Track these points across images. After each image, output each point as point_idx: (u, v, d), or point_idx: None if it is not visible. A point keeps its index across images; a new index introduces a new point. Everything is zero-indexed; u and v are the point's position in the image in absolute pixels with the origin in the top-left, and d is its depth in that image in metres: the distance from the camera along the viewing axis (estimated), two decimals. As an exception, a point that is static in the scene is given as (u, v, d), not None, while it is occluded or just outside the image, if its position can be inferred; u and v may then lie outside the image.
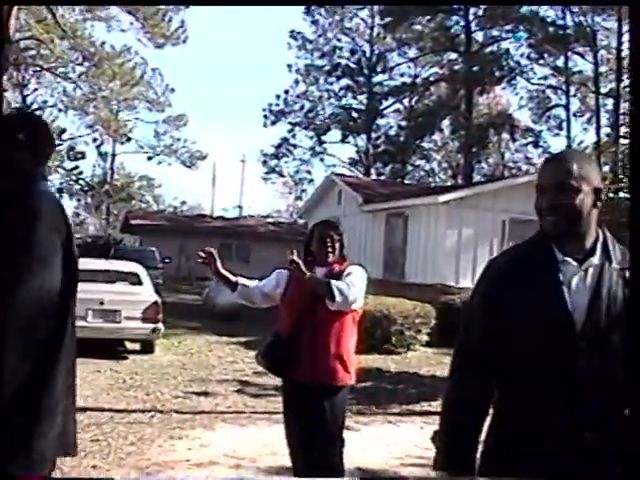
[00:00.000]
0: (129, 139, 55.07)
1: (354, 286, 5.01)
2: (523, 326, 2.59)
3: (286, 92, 51.81)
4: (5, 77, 35.69)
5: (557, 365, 2.53)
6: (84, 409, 9.15)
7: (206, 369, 12.85)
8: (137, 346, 14.41)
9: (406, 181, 48.24)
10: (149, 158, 56.79)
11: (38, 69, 49.05)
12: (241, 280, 5.39)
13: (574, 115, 46.74)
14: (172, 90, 50.98)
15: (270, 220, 54.00)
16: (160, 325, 13.86)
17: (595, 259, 2.62)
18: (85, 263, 16.33)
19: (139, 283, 14.69)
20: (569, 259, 2.61)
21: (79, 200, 67.27)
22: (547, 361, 2.56)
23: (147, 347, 14.20)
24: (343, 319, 5.12)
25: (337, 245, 5.27)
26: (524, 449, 2.57)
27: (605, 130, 42.29)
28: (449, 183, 51.08)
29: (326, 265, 5.24)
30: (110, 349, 13.82)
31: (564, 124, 46.14)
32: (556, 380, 2.53)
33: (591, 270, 2.61)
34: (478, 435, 2.71)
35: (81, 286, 11.98)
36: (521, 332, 2.60)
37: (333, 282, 4.94)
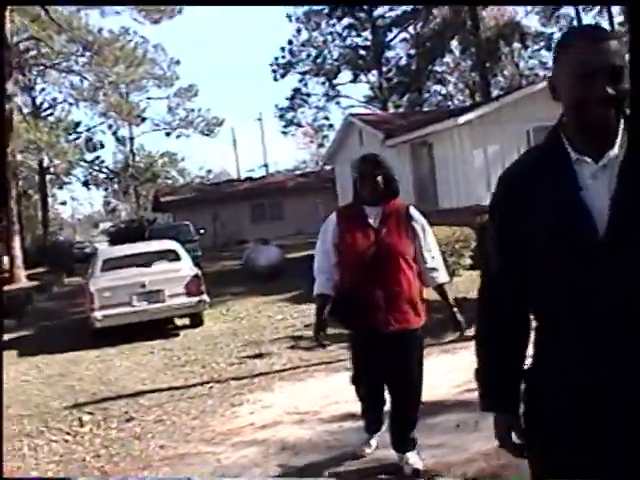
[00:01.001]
0: (144, 119, 55.25)
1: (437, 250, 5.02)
2: (537, 240, 2.26)
3: (290, 43, 51.38)
4: (11, 82, 35.66)
5: (578, 281, 2.19)
6: (142, 392, 9.29)
7: (257, 331, 12.88)
8: (186, 321, 14.50)
9: (425, 109, 47.73)
10: (167, 134, 56.91)
11: (42, 68, 49.10)
12: (326, 291, 5.27)
13: (583, 10, 45.65)
14: (177, 62, 50.88)
15: (297, 172, 53.89)
16: (204, 296, 13.90)
17: (614, 151, 2.22)
18: (121, 249, 16.52)
19: (177, 259, 14.73)
20: (585, 157, 2.23)
21: (107, 189, 67.78)
22: (567, 278, 2.22)
23: (196, 320, 14.26)
24: (409, 263, 5.05)
25: (382, 180, 5.13)
26: (559, 379, 2.29)
27: (618, 19, 41.26)
28: (468, 103, 50.46)
29: (380, 204, 5.13)
30: (160, 329, 13.94)
31: (574, 22, 45.13)
32: (578, 297, 2.20)
33: (611, 166, 2.21)
34: (518, 371, 2.47)
35: (121, 272, 12.20)
36: (536, 247, 2.28)
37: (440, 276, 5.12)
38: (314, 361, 9.68)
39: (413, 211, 5.21)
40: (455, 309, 5.21)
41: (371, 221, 5.10)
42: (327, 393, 7.74)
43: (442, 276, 5.17)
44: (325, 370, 9.00)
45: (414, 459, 5.24)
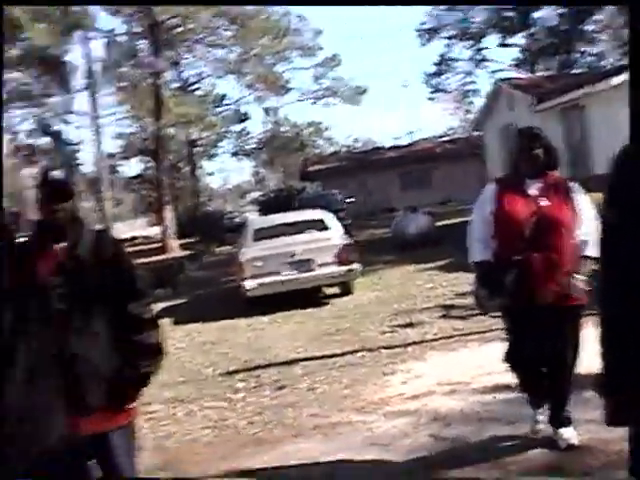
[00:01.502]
0: (289, 90, 55.58)
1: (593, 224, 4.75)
2: None
3: (434, 7, 50.47)
4: (161, 58, 36.71)
5: None
6: (294, 360, 9.34)
7: (408, 300, 12.74)
8: (336, 290, 14.52)
9: (575, 71, 45.96)
10: (313, 103, 57.14)
11: (189, 43, 50.21)
12: (485, 258, 5.09)
13: None
14: (320, 32, 50.84)
15: (445, 139, 53.14)
16: (355, 265, 13.88)
17: None
18: (271, 219, 16.69)
19: (326, 228, 14.74)
20: None
21: (255, 159, 68.98)
22: None
23: (345, 289, 14.28)
24: (571, 235, 4.87)
25: (542, 152, 4.99)
26: None
27: None
28: (622, 62, 48.22)
29: (540, 176, 4.99)
30: (310, 297, 14.03)
31: None
32: None
33: None
34: None
35: (271, 242, 12.28)
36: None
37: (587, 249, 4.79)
38: (466, 331, 9.48)
39: (573, 184, 5.09)
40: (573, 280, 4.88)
41: (531, 192, 4.96)
42: (480, 363, 7.54)
43: (589, 249, 4.86)
44: (478, 340, 8.79)
45: (569, 434, 5.10)
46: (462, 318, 10.27)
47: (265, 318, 12.94)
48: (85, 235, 3.73)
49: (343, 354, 9.37)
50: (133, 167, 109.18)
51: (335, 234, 14.52)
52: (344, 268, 13.73)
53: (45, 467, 3.53)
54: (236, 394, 8.13)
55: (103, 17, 54.11)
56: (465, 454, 5.33)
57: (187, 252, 28.77)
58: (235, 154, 63.14)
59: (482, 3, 42.21)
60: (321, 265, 13.69)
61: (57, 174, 3.83)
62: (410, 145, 50.70)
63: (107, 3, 35.50)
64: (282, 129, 65.45)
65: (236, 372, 9.19)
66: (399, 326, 10.63)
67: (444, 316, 10.84)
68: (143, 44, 47.02)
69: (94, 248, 3.70)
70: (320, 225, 14.78)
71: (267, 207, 38.08)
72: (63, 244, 3.68)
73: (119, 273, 3.71)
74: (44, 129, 55.31)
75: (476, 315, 9.77)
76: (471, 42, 50.88)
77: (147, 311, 3.80)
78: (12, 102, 54.48)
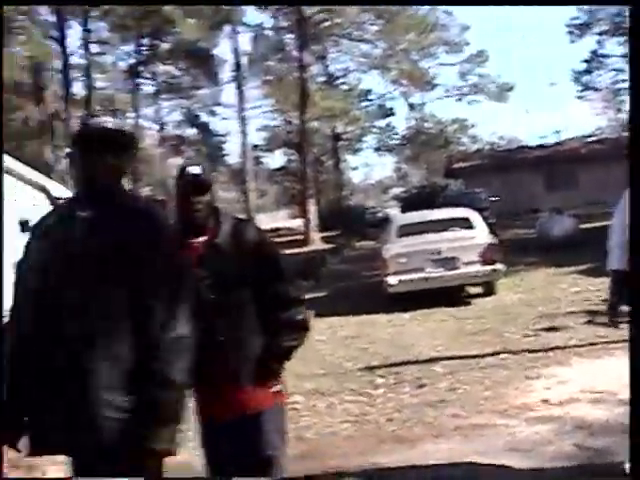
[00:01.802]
0: (435, 86, 55.20)
1: None
2: None
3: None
4: (307, 52, 37.16)
5: None
6: (435, 359, 9.33)
7: (552, 303, 12.50)
8: (479, 289, 14.40)
9: None
10: (458, 100, 56.57)
11: (335, 38, 50.62)
12: (621, 267, 4.86)
13: None
14: (467, 28, 50.29)
15: (592, 139, 51.54)
16: (499, 265, 13.74)
17: None
18: (416, 215, 16.69)
19: (472, 227, 14.61)
20: None
21: (398, 155, 68.89)
22: None
23: (489, 289, 14.15)
24: None
25: None
26: None
27: None
28: None
29: None
30: (453, 296, 13.97)
31: None
32: None
33: None
34: None
35: (415, 238, 12.26)
36: None
37: None
38: (613, 338, 9.21)
39: None
40: None
41: None
42: (627, 373, 7.32)
43: None
44: (625, 349, 8.52)
45: None
46: (608, 325, 9.96)
47: (406, 315, 12.96)
48: (225, 225, 3.77)
49: (485, 355, 9.30)
50: (277, 159, 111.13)
51: (480, 233, 14.39)
52: (488, 268, 13.60)
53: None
54: (376, 390, 8.20)
55: (251, 12, 55.40)
56: (610, 468, 5.16)
57: (329, 245, 29.06)
58: (378, 149, 63.29)
59: (485, 3, 40.91)
60: (466, 264, 13.61)
61: (194, 168, 3.79)
62: (556, 144, 49.41)
63: (106, 3, 36.00)
64: (426, 125, 65.05)
65: (377, 367, 9.25)
66: (542, 329, 10.46)
67: (589, 322, 10.56)
68: (290, 38, 47.80)
69: (236, 236, 3.73)
70: (466, 223, 14.67)
71: (409, 203, 37.97)
72: (203, 238, 3.73)
73: (263, 258, 3.76)
74: (192, 120, 57.02)
75: (623, 322, 9.47)
76: (624, 37, 49.09)
77: (293, 290, 3.85)
78: (161, 94, 56.53)
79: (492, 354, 9.28)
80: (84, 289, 2.88)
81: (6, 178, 22.47)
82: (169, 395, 2.87)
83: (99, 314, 2.87)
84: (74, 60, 39.64)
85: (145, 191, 63.99)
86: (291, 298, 3.82)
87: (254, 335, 3.72)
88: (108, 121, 3.11)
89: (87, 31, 41.30)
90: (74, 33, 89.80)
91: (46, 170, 34.22)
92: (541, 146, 49.26)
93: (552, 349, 9.14)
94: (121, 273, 2.89)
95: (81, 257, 2.90)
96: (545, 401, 6.98)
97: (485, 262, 13.62)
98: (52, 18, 37.56)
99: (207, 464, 3.88)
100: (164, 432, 2.87)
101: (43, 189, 24.54)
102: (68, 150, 3.17)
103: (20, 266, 3.07)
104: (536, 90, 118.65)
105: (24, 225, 22.66)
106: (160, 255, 2.98)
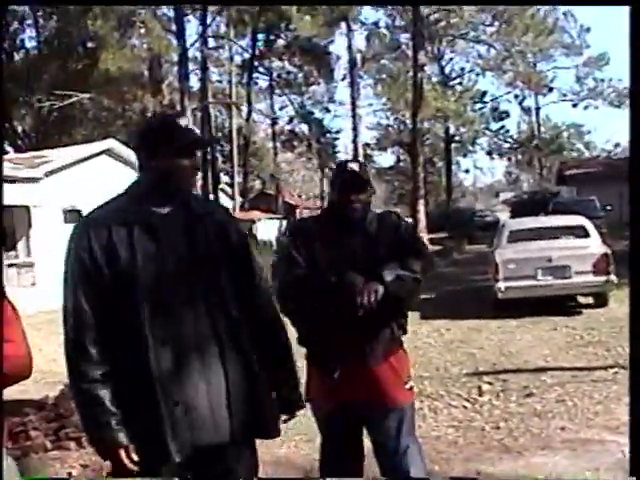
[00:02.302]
0: (551, 89, 54.28)
1: None
2: None
3: None
4: (422, 52, 37.04)
5: None
6: (544, 369, 9.17)
7: (667, 317, 12.09)
8: (590, 300, 14.07)
9: None
10: (574, 105, 55.37)
11: (451, 38, 50.29)
12: None
13: None
14: (588, 30, 49.17)
15: None
16: (612, 277, 13.37)
17: None
18: (528, 221, 16.43)
19: (586, 236, 14.26)
20: None
21: (509, 159, 67.96)
22: None
23: (600, 300, 13.79)
24: None
25: None
26: None
27: None
28: None
29: None
30: (563, 305, 13.70)
31: None
32: None
33: None
34: None
35: (527, 245, 12.09)
36: None
37: None
38: None
39: None
40: None
41: None
42: None
43: None
44: None
45: None
46: None
47: (514, 322, 12.77)
48: (373, 223, 3.84)
49: (595, 368, 9.09)
50: (388, 158, 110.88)
51: (594, 242, 14.04)
52: (601, 278, 13.27)
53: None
54: (482, 396, 8.10)
55: (366, 10, 55.80)
56: None
57: (437, 247, 28.87)
58: (490, 152, 62.54)
59: (482, 3, 39.47)
60: (578, 273, 13.31)
61: (354, 164, 3.82)
62: (677, 154, 47.79)
63: (110, 3, 35.89)
64: (541, 129, 63.98)
65: (483, 374, 9.16)
66: (656, 345, 10.12)
67: None
68: (405, 37, 47.72)
69: (389, 233, 3.81)
70: (580, 232, 14.32)
71: (520, 208, 37.39)
72: (356, 236, 3.79)
73: (410, 245, 3.88)
74: (304, 116, 57.53)
75: None
76: None
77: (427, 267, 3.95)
78: (275, 89, 57.24)
79: (603, 368, 9.05)
80: (190, 288, 2.93)
81: (122, 167, 23.17)
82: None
83: (216, 315, 2.94)
84: (191, 53, 40.49)
85: (256, 184, 65.04)
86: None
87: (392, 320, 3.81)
88: (176, 123, 3.05)
89: (204, 25, 42.13)
90: (192, 27, 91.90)
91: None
92: (660, 155, 47.73)
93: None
94: (216, 269, 2.99)
95: (183, 256, 2.95)
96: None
97: (598, 272, 13.29)
98: (171, 12, 38.46)
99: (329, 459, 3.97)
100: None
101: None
102: (139, 151, 3.09)
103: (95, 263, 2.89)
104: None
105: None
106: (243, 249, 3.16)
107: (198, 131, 3.33)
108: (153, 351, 2.81)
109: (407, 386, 3.90)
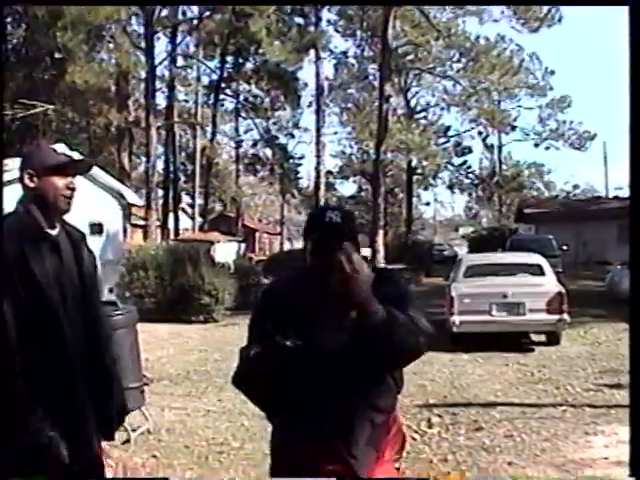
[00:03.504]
0: (514, 128, 54.93)
1: None
2: None
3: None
4: (388, 84, 37.37)
5: None
6: (494, 404, 9.22)
7: (617, 359, 12.23)
8: (542, 337, 14.20)
9: None
10: (536, 145, 56.12)
11: (418, 72, 50.87)
12: None
13: None
14: (552, 72, 49.93)
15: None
16: (565, 316, 13.52)
17: None
18: (485, 257, 16.59)
19: (541, 274, 14.40)
20: None
21: (470, 194, 68.65)
22: None
23: (553, 338, 13.94)
24: None
25: None
26: None
27: None
28: None
29: None
30: (516, 341, 13.81)
31: None
32: None
33: None
34: None
35: (483, 280, 12.17)
36: None
37: None
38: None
39: None
40: None
41: None
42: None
43: None
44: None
45: None
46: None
47: (466, 355, 12.85)
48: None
49: (544, 405, 9.18)
50: (349, 187, 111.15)
51: (549, 281, 14.19)
52: (555, 317, 13.40)
53: None
54: (431, 429, 8.13)
55: (336, 39, 56.22)
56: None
57: (394, 278, 28.92)
58: (450, 187, 63.14)
59: (481, 3, 40.39)
60: (532, 310, 13.43)
61: (335, 214, 2.88)
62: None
63: (116, 4, 36.17)
64: (503, 167, 64.76)
65: (434, 406, 9.19)
66: (605, 385, 10.27)
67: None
68: (373, 68, 48.17)
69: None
70: (536, 270, 14.46)
71: (477, 243, 37.72)
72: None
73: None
74: (269, 140, 57.67)
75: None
76: None
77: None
78: (240, 112, 57.34)
79: (552, 405, 9.14)
80: None
81: (81, 180, 23.02)
82: None
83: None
84: (159, 71, 40.42)
85: (217, 206, 64.92)
86: None
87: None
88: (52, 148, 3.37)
89: (174, 44, 42.17)
90: (161, 45, 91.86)
91: (122, 176, 34.93)
92: (617, 197, 48.56)
93: (614, 406, 8.93)
94: None
95: None
96: (605, 459, 6.84)
97: (552, 311, 13.43)
98: (141, 29, 38.43)
99: None
100: None
101: (118, 194, 25.03)
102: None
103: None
104: (618, 140, 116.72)
105: (94, 227, 23.19)
106: None
107: (76, 156, 3.53)
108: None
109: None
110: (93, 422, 3.26)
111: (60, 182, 3.22)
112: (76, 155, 3.58)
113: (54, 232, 3.24)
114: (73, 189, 3.28)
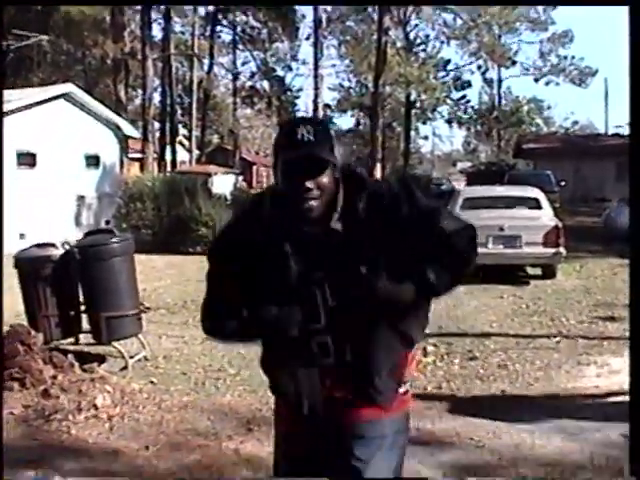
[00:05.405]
0: (514, 62, 54.45)
1: None
2: None
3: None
4: (387, 17, 36.90)
5: None
6: (489, 334, 9.31)
7: (611, 293, 12.31)
8: (538, 271, 14.26)
9: None
10: (536, 80, 55.71)
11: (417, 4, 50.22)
12: None
13: None
14: (554, 6, 49.30)
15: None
16: (562, 249, 13.54)
17: None
18: (483, 190, 16.52)
19: (538, 207, 14.39)
20: None
21: (469, 129, 68.30)
22: None
23: (548, 272, 13.97)
24: None
25: None
26: None
27: None
28: None
29: None
30: (511, 274, 13.87)
31: None
32: None
33: None
34: None
35: (480, 213, 12.05)
36: None
37: None
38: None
39: None
40: None
41: None
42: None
43: None
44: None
45: None
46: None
47: (462, 287, 12.87)
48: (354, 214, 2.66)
49: (538, 336, 9.26)
50: (347, 120, 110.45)
51: (546, 214, 14.18)
52: (551, 250, 13.41)
53: None
54: (426, 357, 8.20)
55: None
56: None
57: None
58: (449, 121, 62.83)
59: (482, 3, 40.11)
60: (528, 244, 13.44)
61: (306, 129, 2.52)
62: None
63: (107, 3, 35.52)
64: (502, 102, 64.36)
65: (429, 336, 9.24)
66: (599, 318, 10.33)
67: (648, 315, 10.39)
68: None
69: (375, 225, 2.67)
70: (533, 204, 14.43)
71: (475, 178, 37.61)
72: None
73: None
74: (266, 73, 57.17)
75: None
76: None
77: None
78: (238, 44, 56.68)
79: (546, 336, 9.22)
80: None
81: (77, 113, 22.84)
82: None
83: None
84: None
85: (214, 139, 64.59)
86: None
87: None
88: None
89: (171, -27, 41.55)
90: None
91: (118, 108, 34.65)
92: (617, 135, 48.35)
93: (607, 338, 9.02)
94: None
95: None
96: (596, 388, 6.93)
97: (548, 244, 13.44)
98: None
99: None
100: None
101: (114, 126, 24.86)
102: None
103: None
104: (619, 78, 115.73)
105: (90, 160, 23.12)
106: None
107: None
108: None
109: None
110: None
111: None
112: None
113: None
114: None
